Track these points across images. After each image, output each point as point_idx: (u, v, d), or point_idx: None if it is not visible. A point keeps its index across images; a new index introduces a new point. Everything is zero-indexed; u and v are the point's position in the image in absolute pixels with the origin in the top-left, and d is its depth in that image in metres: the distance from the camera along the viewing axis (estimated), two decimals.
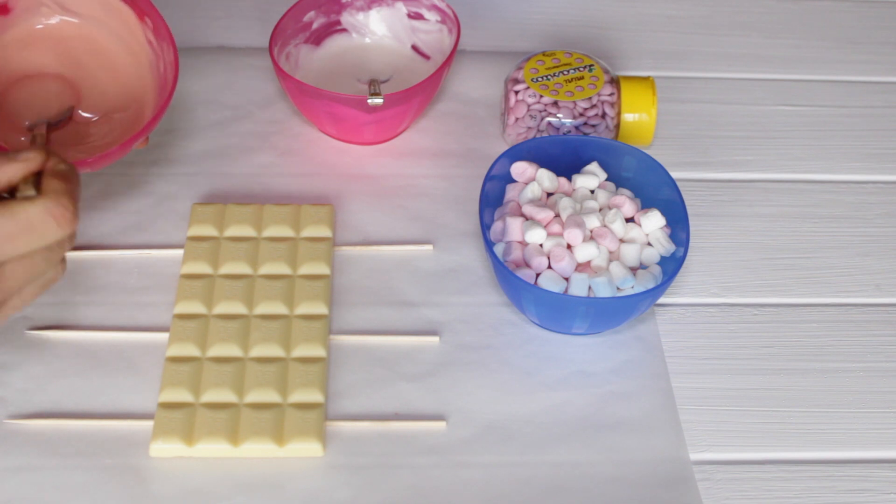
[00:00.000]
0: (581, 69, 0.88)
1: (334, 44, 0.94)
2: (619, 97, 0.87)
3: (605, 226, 0.77)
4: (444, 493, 0.69)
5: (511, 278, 0.74)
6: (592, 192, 0.80)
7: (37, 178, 0.59)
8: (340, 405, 0.73)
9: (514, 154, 0.81)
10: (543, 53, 0.89)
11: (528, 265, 0.75)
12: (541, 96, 0.87)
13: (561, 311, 0.75)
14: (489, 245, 0.75)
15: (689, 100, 0.96)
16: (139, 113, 0.81)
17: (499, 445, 0.72)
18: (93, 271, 0.80)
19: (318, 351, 0.75)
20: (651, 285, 0.75)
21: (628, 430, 0.73)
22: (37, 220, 0.56)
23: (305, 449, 0.70)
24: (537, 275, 0.75)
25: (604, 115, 0.87)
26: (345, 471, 0.70)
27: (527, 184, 0.80)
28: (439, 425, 0.72)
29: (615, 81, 0.88)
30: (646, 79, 0.88)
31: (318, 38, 0.93)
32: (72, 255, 0.80)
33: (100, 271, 0.80)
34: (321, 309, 0.77)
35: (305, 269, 0.79)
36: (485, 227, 0.76)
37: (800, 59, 1.00)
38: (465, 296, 0.80)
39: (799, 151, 0.93)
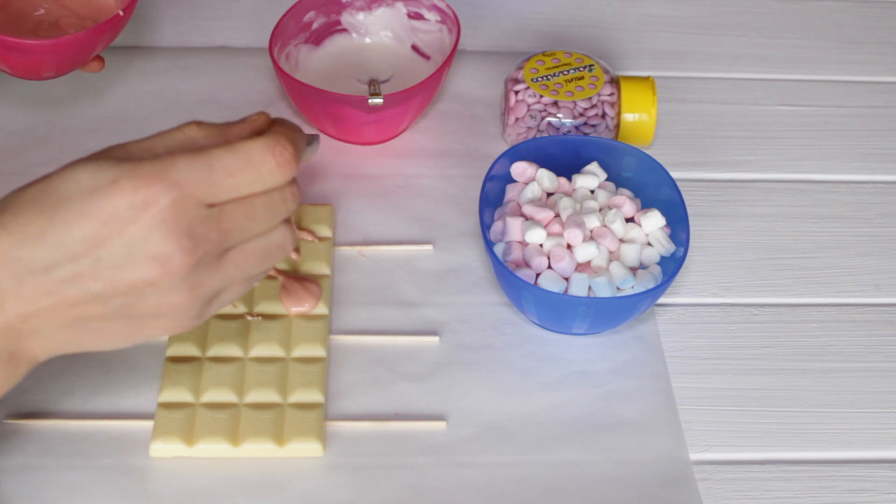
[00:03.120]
0: (581, 69, 0.88)
1: (334, 44, 0.94)
2: (619, 97, 0.87)
3: (605, 226, 0.77)
4: (444, 493, 0.69)
5: (511, 278, 0.74)
6: (592, 192, 0.80)
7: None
8: (340, 405, 0.73)
9: (514, 154, 0.81)
10: (543, 53, 0.89)
11: (528, 265, 0.75)
12: (541, 96, 0.87)
13: (561, 311, 0.75)
14: (489, 245, 0.75)
15: (689, 100, 0.96)
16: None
17: (499, 445, 0.72)
18: None
19: (318, 351, 0.75)
20: (651, 285, 0.75)
21: (628, 430, 0.73)
22: (257, 156, 0.56)
23: (305, 449, 0.70)
24: (537, 275, 0.75)
25: (604, 115, 0.87)
26: (345, 471, 0.70)
27: (527, 184, 0.80)
28: (439, 425, 0.72)
29: (615, 81, 0.88)
30: (646, 79, 0.88)
31: (318, 38, 0.93)
32: None
33: None
34: (321, 309, 0.77)
35: (306, 269, 0.79)
36: (485, 227, 0.76)
37: (800, 59, 1.00)
38: (465, 296, 0.80)
39: (799, 151, 0.93)
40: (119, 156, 0.55)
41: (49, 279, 0.54)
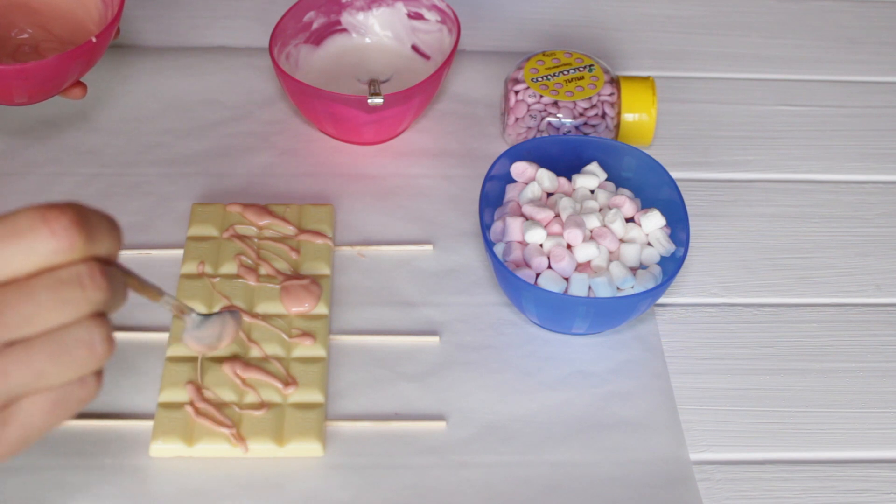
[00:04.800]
0: (581, 69, 0.88)
1: (334, 44, 0.94)
2: (619, 97, 0.87)
3: (605, 226, 0.77)
4: (444, 493, 0.69)
5: (511, 278, 0.74)
6: (592, 192, 0.80)
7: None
8: (340, 405, 0.73)
9: (514, 154, 0.81)
10: (543, 53, 0.89)
11: (528, 265, 0.75)
12: (541, 96, 0.87)
13: (561, 311, 0.75)
14: (489, 245, 0.75)
15: (689, 100, 0.96)
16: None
17: (499, 445, 0.72)
18: None
19: (318, 351, 0.75)
20: (651, 285, 0.75)
21: (628, 430, 0.73)
22: (24, 222, 0.47)
23: (305, 449, 0.70)
24: (537, 275, 0.75)
25: (604, 115, 0.87)
26: (345, 471, 0.70)
27: (527, 184, 0.80)
28: (439, 425, 0.72)
29: (615, 81, 0.88)
30: (646, 79, 0.88)
31: (318, 38, 0.93)
32: None
33: None
34: (321, 309, 0.77)
35: (305, 269, 0.79)
36: (485, 227, 0.76)
37: (800, 59, 1.00)
38: (465, 296, 0.80)
39: (799, 151, 0.93)
40: None
41: None
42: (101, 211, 0.49)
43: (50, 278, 0.47)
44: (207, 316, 0.63)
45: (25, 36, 0.84)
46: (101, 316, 0.49)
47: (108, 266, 0.49)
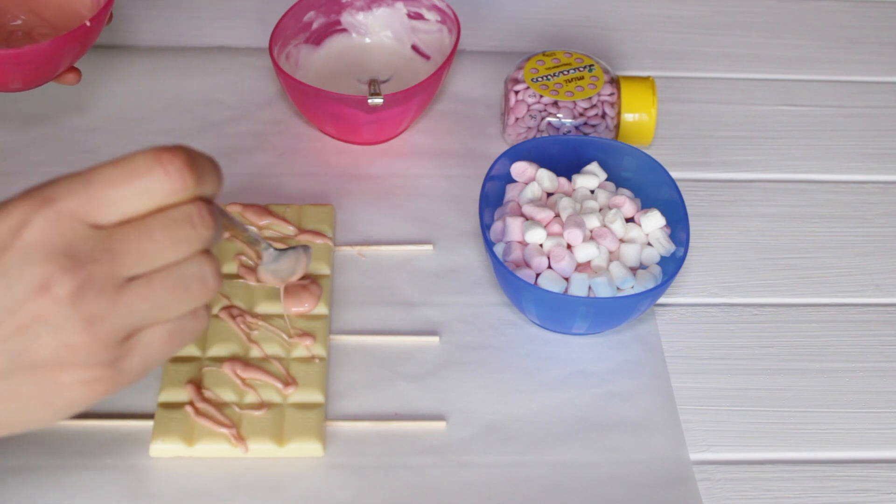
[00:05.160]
0: (581, 69, 0.88)
1: (334, 44, 0.94)
2: (619, 97, 0.87)
3: (605, 226, 0.77)
4: (444, 493, 0.69)
5: (511, 278, 0.74)
6: (592, 192, 0.80)
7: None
8: (340, 405, 0.73)
9: (514, 154, 0.81)
10: (543, 53, 0.89)
11: (528, 265, 0.75)
12: (541, 96, 0.87)
13: (561, 311, 0.75)
14: (489, 245, 0.75)
15: (689, 100, 0.96)
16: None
17: (499, 445, 0.72)
18: None
19: (318, 351, 0.75)
20: (651, 285, 0.75)
21: (628, 430, 0.73)
22: (140, 164, 0.49)
23: (305, 449, 0.70)
24: (537, 275, 0.75)
25: (604, 115, 0.87)
26: (345, 471, 0.70)
27: (527, 184, 0.80)
28: (439, 425, 0.72)
29: (615, 81, 0.88)
30: (646, 79, 0.88)
31: (318, 38, 0.93)
32: None
33: None
34: (321, 309, 0.77)
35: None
36: (485, 227, 0.76)
37: (800, 59, 1.00)
38: (465, 296, 0.80)
39: (799, 151, 0.93)
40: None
41: None
42: (206, 153, 0.52)
43: (165, 217, 0.50)
44: (283, 251, 0.64)
45: (18, 22, 0.84)
46: (208, 252, 0.52)
47: (211, 205, 0.52)
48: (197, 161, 0.51)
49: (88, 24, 0.77)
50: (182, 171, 0.50)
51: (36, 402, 0.50)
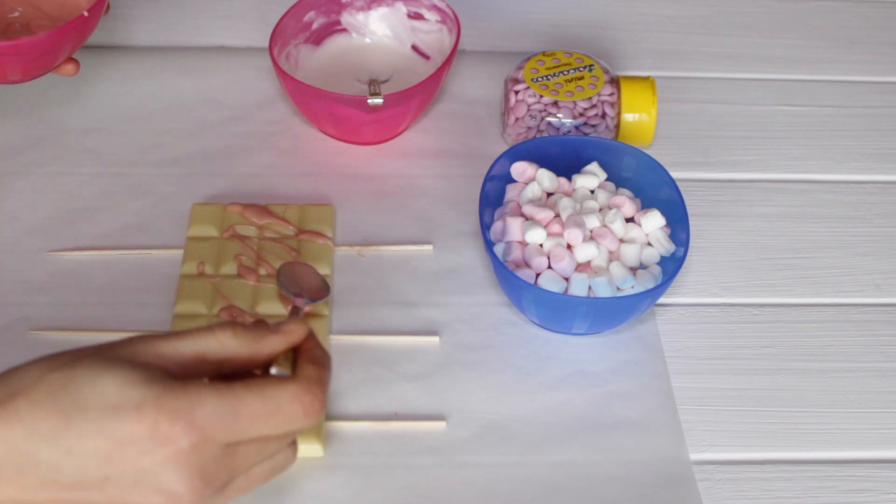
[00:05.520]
0: (581, 69, 0.88)
1: (334, 44, 0.94)
2: (619, 97, 0.87)
3: (605, 226, 0.77)
4: (444, 493, 0.69)
5: (511, 278, 0.74)
6: (592, 192, 0.80)
7: (293, 353, 0.57)
8: (340, 405, 0.73)
9: (514, 154, 0.81)
10: (543, 53, 0.89)
11: (528, 265, 0.75)
12: (541, 96, 0.87)
13: (561, 311, 0.75)
14: (489, 245, 0.75)
15: (689, 100, 0.96)
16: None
17: (499, 445, 0.72)
18: (93, 271, 0.80)
19: None
20: (651, 285, 0.75)
21: (628, 430, 0.73)
22: (286, 405, 0.54)
23: (305, 449, 0.70)
24: (537, 275, 0.75)
25: (604, 115, 0.87)
26: (345, 471, 0.70)
27: (527, 184, 0.80)
28: (439, 425, 0.72)
29: (615, 81, 0.88)
30: (646, 79, 0.88)
31: (318, 38, 0.93)
32: (72, 255, 0.80)
33: (100, 271, 0.80)
34: (321, 309, 0.77)
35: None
36: (485, 227, 0.76)
37: (800, 59, 1.00)
38: (465, 296, 0.80)
39: (799, 151, 0.93)
40: (149, 360, 0.54)
41: (52, 480, 0.52)
42: (328, 358, 0.57)
43: (283, 437, 0.56)
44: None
45: (16, 14, 0.84)
46: (294, 443, 0.58)
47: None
48: (328, 387, 0.56)
49: (86, 14, 0.77)
50: (319, 411, 0.55)
51: None
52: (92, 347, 0.55)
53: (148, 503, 0.53)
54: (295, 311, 0.66)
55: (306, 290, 0.74)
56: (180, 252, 0.80)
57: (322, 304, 0.77)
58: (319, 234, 0.81)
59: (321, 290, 0.74)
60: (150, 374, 0.53)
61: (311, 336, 0.58)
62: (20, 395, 0.52)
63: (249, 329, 0.57)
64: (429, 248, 0.83)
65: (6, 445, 0.52)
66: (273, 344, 0.57)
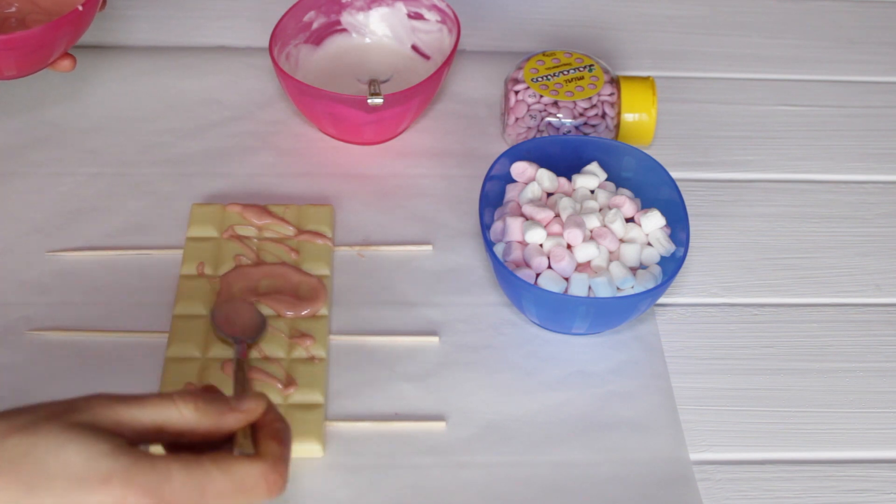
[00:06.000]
0: (581, 69, 0.88)
1: (334, 44, 0.94)
2: (619, 97, 0.87)
3: (605, 226, 0.77)
4: (444, 493, 0.69)
5: (511, 278, 0.74)
6: (592, 192, 0.80)
7: (251, 427, 0.58)
8: (340, 405, 0.73)
9: (514, 154, 0.81)
10: (543, 53, 0.89)
11: (528, 265, 0.75)
12: (541, 96, 0.87)
13: (561, 311, 0.75)
14: (489, 245, 0.75)
15: (689, 100, 0.96)
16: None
17: (499, 445, 0.72)
18: (93, 271, 0.80)
19: (318, 351, 0.75)
20: (651, 285, 0.75)
21: (628, 430, 0.73)
22: (250, 483, 0.54)
23: (305, 450, 0.70)
24: (537, 275, 0.75)
25: (604, 115, 0.87)
26: (345, 471, 0.70)
27: (527, 184, 0.80)
28: (439, 425, 0.72)
29: (615, 81, 0.88)
30: (646, 79, 0.88)
31: (318, 38, 0.93)
32: (74, 255, 0.80)
33: (100, 271, 0.80)
34: (321, 310, 0.77)
35: (306, 269, 0.79)
36: (485, 227, 0.76)
37: (800, 59, 1.00)
38: (465, 296, 0.80)
39: (799, 151, 0.93)
40: (109, 426, 0.53)
41: None
42: (288, 431, 0.58)
43: None
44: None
45: (13, 9, 0.84)
46: None
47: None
48: (289, 465, 0.57)
49: (81, 8, 0.77)
50: (282, 488, 0.56)
51: None
52: (49, 408, 0.53)
53: None
54: (239, 366, 0.66)
55: (240, 328, 0.74)
56: (180, 252, 0.80)
57: (321, 305, 0.77)
58: (319, 235, 0.81)
59: (258, 328, 0.74)
60: (115, 445, 0.52)
61: (270, 408, 0.58)
62: None
63: (210, 404, 0.56)
64: (429, 248, 0.83)
65: None
66: (233, 422, 0.56)
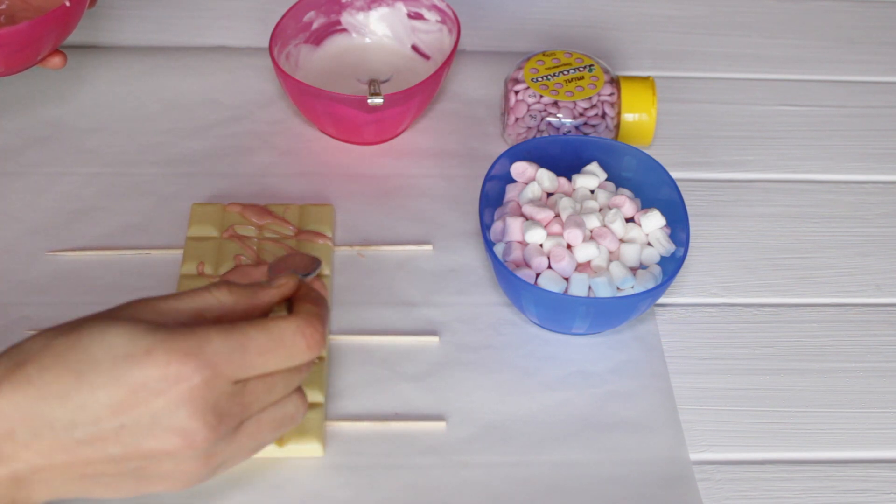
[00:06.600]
0: (581, 69, 0.88)
1: (334, 44, 0.94)
2: (619, 97, 0.87)
3: (605, 226, 0.77)
4: (444, 493, 0.69)
5: (511, 278, 0.74)
6: (592, 192, 0.80)
7: (288, 304, 0.60)
8: (340, 405, 0.73)
9: (514, 154, 0.81)
10: (543, 53, 0.89)
11: (528, 265, 0.75)
12: (541, 96, 0.87)
13: (561, 311, 0.75)
14: (489, 245, 0.75)
15: (689, 100, 0.96)
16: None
17: (499, 445, 0.72)
18: (93, 271, 0.80)
19: None
20: (651, 285, 0.75)
21: (628, 430, 0.73)
22: (288, 337, 0.56)
23: (305, 449, 0.70)
24: (537, 275, 0.75)
25: (604, 115, 0.87)
26: (345, 471, 0.70)
27: (527, 184, 0.80)
28: (439, 425, 0.72)
29: (615, 81, 0.88)
30: (646, 79, 0.88)
31: (318, 38, 0.93)
32: (74, 255, 0.80)
33: (100, 271, 0.80)
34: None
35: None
36: (485, 227, 0.76)
37: (800, 59, 1.00)
38: (465, 296, 0.80)
39: (799, 151, 0.93)
40: (149, 318, 0.55)
41: (68, 438, 0.53)
42: (325, 300, 0.60)
43: (288, 373, 0.58)
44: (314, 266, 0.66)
45: (3, 7, 0.83)
46: (299, 388, 0.60)
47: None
48: (327, 323, 0.59)
49: (68, 4, 0.77)
50: (320, 343, 0.57)
51: (126, 491, 0.56)
52: (91, 315, 0.56)
53: (164, 446, 0.54)
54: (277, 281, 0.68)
55: (296, 269, 0.74)
56: (180, 252, 0.80)
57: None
58: (319, 235, 0.81)
59: (312, 264, 0.74)
60: (155, 325, 0.54)
61: (303, 285, 0.60)
62: (29, 362, 0.54)
63: (244, 286, 0.59)
64: (428, 248, 0.83)
65: (20, 412, 0.53)
66: (267, 297, 0.59)
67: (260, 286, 0.59)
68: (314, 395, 0.72)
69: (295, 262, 0.71)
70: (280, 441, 0.70)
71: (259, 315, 0.59)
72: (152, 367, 0.53)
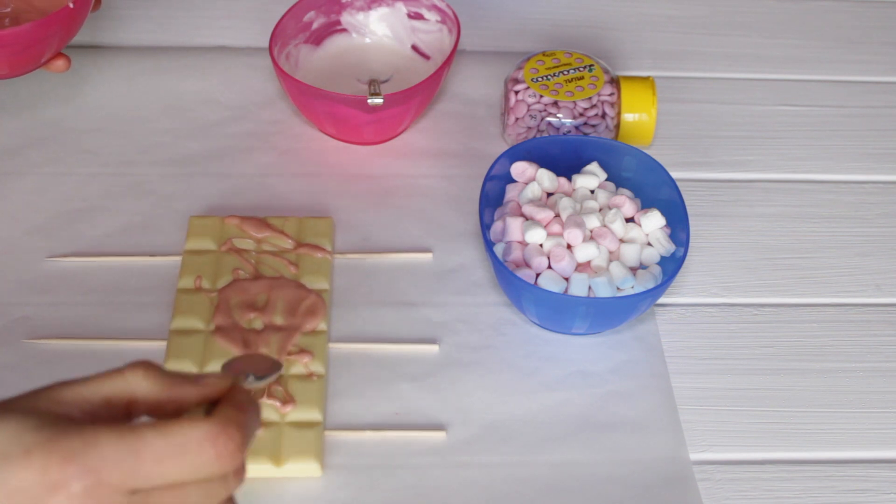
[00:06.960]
0: (581, 69, 0.88)
1: (334, 44, 0.94)
2: (619, 97, 0.87)
3: (605, 226, 0.77)
4: (444, 493, 0.69)
5: (511, 278, 0.74)
6: (592, 192, 0.80)
7: (209, 406, 0.51)
8: (341, 407, 0.73)
9: (514, 154, 0.81)
10: (543, 53, 0.89)
11: (528, 265, 0.75)
12: (541, 96, 0.87)
13: (561, 311, 0.75)
14: (489, 245, 0.75)
15: (689, 100, 0.96)
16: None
17: (499, 446, 0.72)
18: (92, 272, 0.80)
19: (316, 367, 0.74)
20: (651, 285, 0.75)
21: (628, 430, 0.73)
22: (193, 444, 0.48)
23: (303, 469, 0.69)
24: (537, 275, 0.75)
25: (604, 115, 0.87)
26: (345, 471, 0.70)
27: (527, 184, 0.80)
28: (439, 435, 0.72)
29: (615, 81, 0.88)
30: (646, 79, 0.88)
31: (318, 38, 0.93)
32: (72, 260, 0.80)
33: (99, 272, 0.80)
34: (320, 325, 0.76)
35: (304, 284, 0.78)
36: (485, 227, 0.76)
37: (800, 59, 1.00)
38: (465, 296, 0.80)
39: (799, 151, 0.93)
40: (47, 408, 0.49)
41: None
42: (255, 406, 0.51)
43: (206, 485, 0.49)
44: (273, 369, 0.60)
45: (8, 10, 0.83)
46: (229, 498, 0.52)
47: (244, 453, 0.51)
48: (249, 433, 0.51)
49: (72, 6, 0.76)
50: (234, 455, 0.49)
51: None
52: None
53: None
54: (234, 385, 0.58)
55: (254, 370, 0.69)
56: (178, 259, 0.80)
57: (320, 320, 0.76)
58: (318, 248, 0.80)
59: (272, 368, 0.64)
60: (43, 420, 0.48)
61: (236, 388, 0.52)
62: None
63: (166, 372, 0.52)
64: (428, 256, 0.82)
65: None
66: (185, 392, 0.52)
67: (184, 377, 0.52)
68: (312, 415, 0.71)
69: (254, 362, 0.63)
70: (278, 460, 0.69)
71: (173, 409, 0.51)
72: (28, 471, 0.47)
